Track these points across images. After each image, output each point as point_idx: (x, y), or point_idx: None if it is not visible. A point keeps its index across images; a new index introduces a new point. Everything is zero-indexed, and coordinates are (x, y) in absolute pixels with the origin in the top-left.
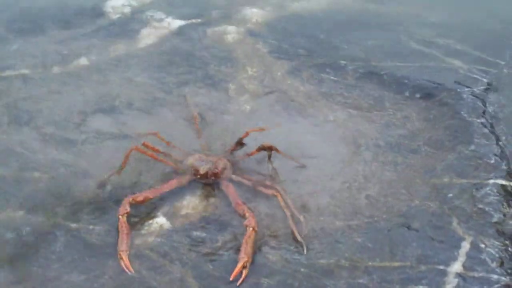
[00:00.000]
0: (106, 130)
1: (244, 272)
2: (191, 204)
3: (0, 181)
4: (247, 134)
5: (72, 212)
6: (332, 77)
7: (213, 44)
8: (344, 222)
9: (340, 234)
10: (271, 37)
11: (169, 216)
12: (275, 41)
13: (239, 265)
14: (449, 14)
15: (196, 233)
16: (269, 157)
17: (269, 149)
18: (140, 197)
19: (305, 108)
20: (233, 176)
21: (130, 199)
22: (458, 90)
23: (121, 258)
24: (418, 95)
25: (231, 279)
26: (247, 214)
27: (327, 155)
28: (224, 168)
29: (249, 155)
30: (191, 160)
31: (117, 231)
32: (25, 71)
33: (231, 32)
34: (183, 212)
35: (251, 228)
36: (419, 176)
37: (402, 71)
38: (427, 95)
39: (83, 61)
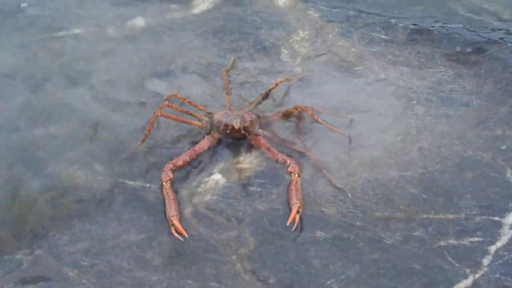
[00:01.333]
0: (162, 93)
1: (298, 218)
2: (246, 159)
3: (57, 138)
4: (276, 85)
5: (129, 171)
6: (382, 36)
7: (264, 10)
8: (398, 173)
9: (395, 185)
10: (321, 1)
11: (225, 172)
12: (325, 5)
13: (294, 210)
14: None
15: (252, 188)
16: (298, 117)
17: (301, 110)
18: (179, 161)
19: (357, 68)
20: (260, 131)
21: (171, 165)
22: (509, 44)
23: (172, 224)
24: (469, 50)
25: (287, 224)
26: (288, 161)
27: (379, 110)
28: (252, 121)
29: (276, 117)
30: (217, 117)
31: (163, 198)
32: (79, 31)
33: None
34: (238, 167)
35: (296, 174)
36: (471, 129)
37: (451, 28)
38: (478, 50)
39: (139, 23)
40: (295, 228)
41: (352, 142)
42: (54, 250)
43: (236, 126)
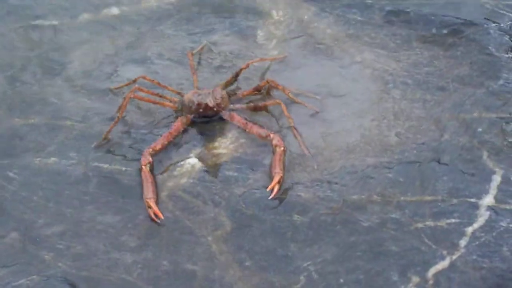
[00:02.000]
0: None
1: (277, 188)
2: (222, 144)
3: (34, 129)
4: (247, 65)
5: (104, 155)
6: (358, 18)
7: None
8: (374, 158)
9: (371, 170)
10: None
11: (201, 157)
12: None
13: (276, 179)
14: None
15: (228, 173)
16: (264, 83)
17: (273, 85)
18: (158, 145)
19: (332, 50)
20: (231, 106)
21: (150, 149)
22: (485, 25)
23: (149, 206)
24: (445, 31)
25: (267, 189)
26: (271, 135)
27: (355, 94)
28: (223, 97)
29: (247, 93)
30: (188, 97)
31: (141, 182)
32: (55, 22)
33: None
34: (215, 152)
35: (282, 148)
36: (448, 112)
37: (428, 8)
38: (454, 31)
39: (114, 11)
40: (273, 197)
41: (328, 128)
42: (30, 233)
43: (211, 104)
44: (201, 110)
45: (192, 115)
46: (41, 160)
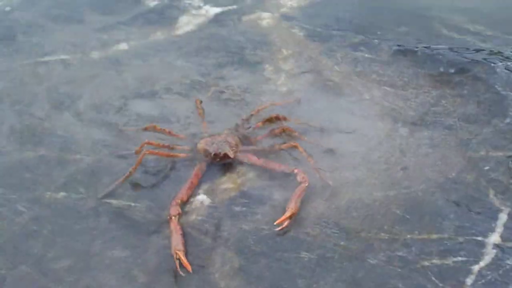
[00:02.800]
0: (146, 113)
1: (287, 223)
2: (230, 179)
3: (43, 162)
4: (258, 111)
5: (113, 191)
6: (366, 55)
7: (248, 30)
8: (382, 193)
9: (378, 205)
10: (305, 21)
11: (209, 193)
12: (309, 24)
13: (287, 214)
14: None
15: (236, 208)
16: (280, 131)
17: (276, 119)
18: (184, 196)
19: (341, 87)
20: (245, 147)
21: (178, 200)
22: (492, 64)
23: (178, 258)
24: (452, 70)
25: (275, 223)
26: (295, 170)
27: (363, 130)
28: (236, 143)
29: (254, 128)
30: (202, 146)
31: (170, 232)
32: (65, 57)
33: (266, 18)
34: (223, 188)
35: (306, 184)
36: (455, 150)
37: (435, 49)
38: (461, 70)
39: (123, 46)
40: (281, 229)
41: (337, 162)
42: (39, 266)
43: (231, 155)
44: (218, 159)
45: (207, 162)
46: (50, 194)
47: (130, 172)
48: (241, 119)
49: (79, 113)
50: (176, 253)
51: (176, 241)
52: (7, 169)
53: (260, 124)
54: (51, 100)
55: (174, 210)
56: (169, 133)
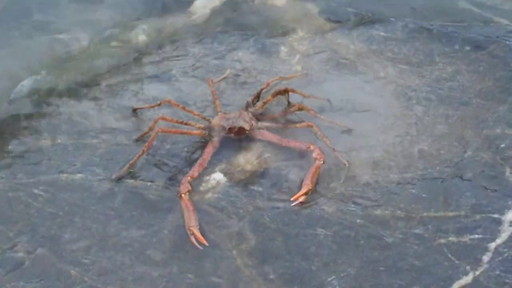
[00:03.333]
0: (163, 97)
1: (303, 198)
2: (247, 159)
3: (61, 149)
4: (267, 85)
5: (130, 171)
6: (382, 33)
7: (263, 10)
8: (398, 174)
9: (395, 186)
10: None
11: (226, 172)
12: (323, 2)
13: (303, 191)
14: None
15: (253, 188)
16: (288, 103)
17: (285, 92)
18: (195, 173)
19: (356, 65)
20: (259, 124)
21: (188, 177)
22: (508, 42)
23: (192, 233)
24: (468, 48)
25: (291, 199)
26: (311, 147)
27: (378, 109)
28: (251, 119)
29: (264, 103)
30: (216, 122)
31: (182, 209)
32: (81, 38)
33: None
34: (240, 167)
35: (321, 161)
36: (470, 128)
37: (451, 27)
38: (477, 48)
39: (139, 30)
40: (296, 204)
41: (353, 143)
42: (56, 248)
43: (247, 127)
44: (232, 134)
45: (221, 138)
46: (67, 176)
47: (143, 151)
48: (251, 97)
49: (96, 100)
50: (190, 230)
51: (189, 218)
52: (23, 152)
53: (270, 98)
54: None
55: (184, 187)
56: (184, 108)
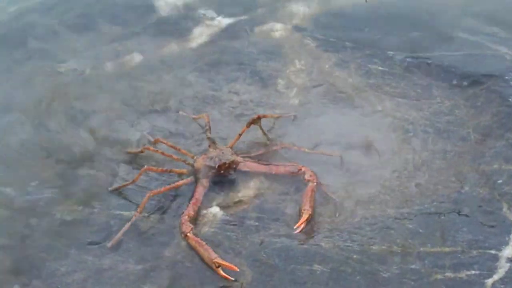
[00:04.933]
0: (160, 129)
1: (304, 224)
2: (244, 193)
3: (59, 177)
4: (247, 127)
5: (126, 203)
6: (380, 68)
7: (261, 41)
8: (395, 210)
9: (392, 221)
10: (317, 32)
11: (223, 206)
12: (321, 35)
13: (305, 217)
14: (493, 2)
15: (249, 222)
16: (262, 129)
17: (258, 119)
18: (191, 212)
19: (353, 99)
20: (244, 159)
21: (186, 216)
22: (506, 77)
23: (219, 265)
24: (465, 83)
25: (295, 227)
26: (303, 169)
27: (376, 143)
28: (233, 153)
29: (240, 134)
30: (200, 163)
31: (194, 248)
32: (79, 68)
33: (278, 29)
34: (236, 201)
35: (314, 183)
36: (468, 163)
37: (448, 59)
38: (475, 83)
39: (137, 58)
40: (299, 231)
41: (350, 178)
42: (51, 280)
43: (239, 160)
44: (222, 171)
45: (210, 178)
46: (63, 208)
47: (135, 216)
48: (240, 131)
49: (93, 130)
50: (214, 263)
51: (207, 252)
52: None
53: (245, 128)
54: (66, 114)
55: (187, 227)
56: (172, 146)
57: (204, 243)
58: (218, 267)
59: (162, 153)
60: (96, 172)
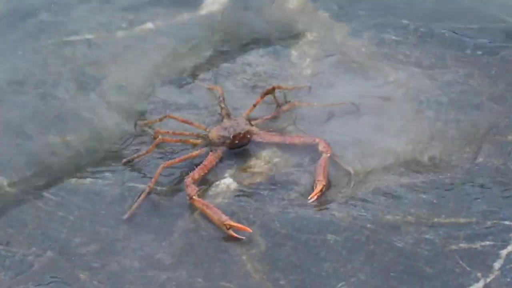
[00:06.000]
0: (173, 101)
1: (318, 196)
2: (257, 164)
3: (72, 147)
4: (261, 98)
5: (139, 175)
6: (393, 37)
7: (274, 12)
8: (408, 180)
9: (405, 191)
10: (330, 1)
11: (236, 177)
12: (334, 5)
13: (319, 188)
14: None
15: (263, 193)
16: (277, 104)
17: (273, 90)
18: (196, 175)
19: (366, 69)
20: (256, 129)
21: (190, 179)
22: None
23: (230, 226)
24: (479, 52)
25: (309, 198)
26: (317, 140)
27: (389, 113)
28: (247, 124)
29: (254, 105)
30: (215, 133)
31: (202, 210)
32: (90, 36)
33: None
34: (250, 172)
35: (328, 154)
36: (482, 133)
37: (463, 30)
38: (489, 52)
39: (148, 26)
40: (313, 201)
41: (363, 148)
42: (65, 252)
43: (254, 131)
44: (237, 141)
45: (223, 149)
46: (77, 181)
47: (149, 187)
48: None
49: (105, 97)
50: (225, 224)
51: (216, 214)
52: (33, 153)
53: (259, 99)
54: (76, 82)
55: (192, 189)
56: (183, 121)
57: (211, 205)
58: (229, 229)
59: (185, 122)
60: (110, 145)
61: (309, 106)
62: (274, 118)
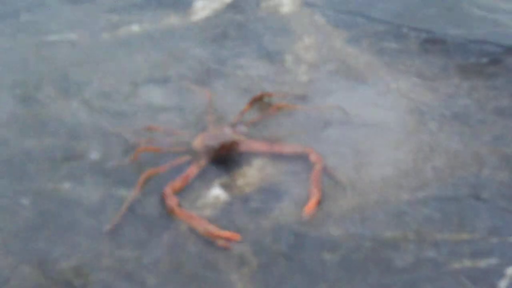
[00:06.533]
0: (158, 103)
1: (312, 209)
2: (248, 174)
3: (50, 152)
4: (245, 110)
5: (123, 182)
6: (393, 45)
7: (267, 16)
8: (409, 194)
9: (406, 206)
10: (327, 7)
11: (226, 187)
12: (332, 10)
13: (314, 200)
14: None
15: (254, 204)
16: (266, 109)
17: (261, 97)
18: (177, 185)
19: (366, 77)
20: (248, 141)
21: (170, 189)
22: None
23: (217, 235)
24: (484, 61)
25: (305, 212)
26: (307, 150)
27: (389, 124)
28: (234, 132)
29: (242, 113)
30: (199, 143)
31: (185, 220)
32: (73, 37)
33: (286, 4)
34: (240, 183)
35: (321, 165)
36: (487, 146)
37: (466, 37)
38: (494, 61)
39: (135, 29)
40: (308, 217)
41: (363, 159)
42: (43, 266)
43: (242, 139)
44: (222, 152)
45: (207, 160)
46: (55, 186)
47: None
48: (244, 107)
49: (87, 101)
50: (212, 233)
51: (200, 223)
52: (9, 158)
53: (247, 107)
54: (57, 86)
55: (172, 199)
56: (167, 131)
57: (195, 215)
58: (218, 236)
59: (166, 131)
60: (90, 148)
61: (293, 109)
62: (259, 121)
